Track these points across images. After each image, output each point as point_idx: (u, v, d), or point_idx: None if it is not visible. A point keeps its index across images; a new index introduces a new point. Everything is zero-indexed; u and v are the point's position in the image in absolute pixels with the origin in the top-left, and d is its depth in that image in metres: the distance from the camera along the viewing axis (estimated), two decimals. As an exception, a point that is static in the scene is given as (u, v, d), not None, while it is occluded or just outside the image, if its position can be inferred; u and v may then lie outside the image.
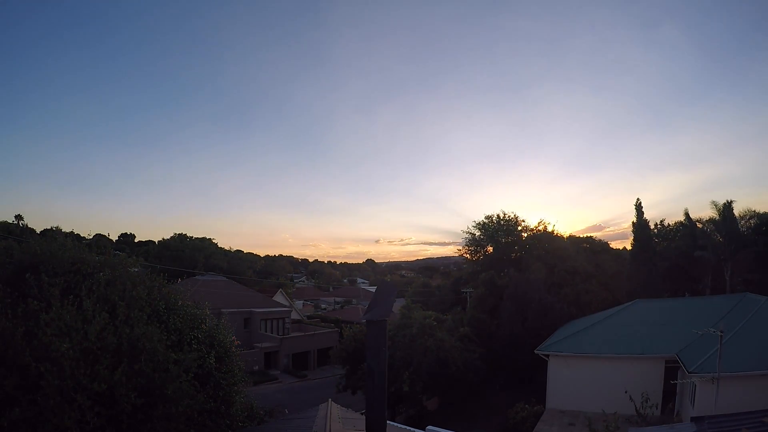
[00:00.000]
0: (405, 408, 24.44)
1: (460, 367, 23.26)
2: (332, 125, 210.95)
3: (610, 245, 43.60)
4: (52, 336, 5.04)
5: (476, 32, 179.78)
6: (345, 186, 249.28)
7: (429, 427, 10.57)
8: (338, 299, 77.86)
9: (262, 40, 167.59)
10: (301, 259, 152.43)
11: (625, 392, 15.68)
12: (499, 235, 39.71)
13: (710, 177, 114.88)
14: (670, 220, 40.61)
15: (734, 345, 15.10)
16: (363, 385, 21.81)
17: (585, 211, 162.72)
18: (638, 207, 33.50)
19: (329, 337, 40.46)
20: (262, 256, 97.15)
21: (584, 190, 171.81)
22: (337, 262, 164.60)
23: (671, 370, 17.27)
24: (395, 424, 9.68)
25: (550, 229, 40.03)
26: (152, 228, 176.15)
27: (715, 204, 32.70)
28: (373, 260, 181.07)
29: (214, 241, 67.45)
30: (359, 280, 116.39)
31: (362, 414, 6.80)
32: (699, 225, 34.88)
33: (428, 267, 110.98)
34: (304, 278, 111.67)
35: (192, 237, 63.05)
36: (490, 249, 40.58)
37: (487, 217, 40.74)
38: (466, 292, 39.69)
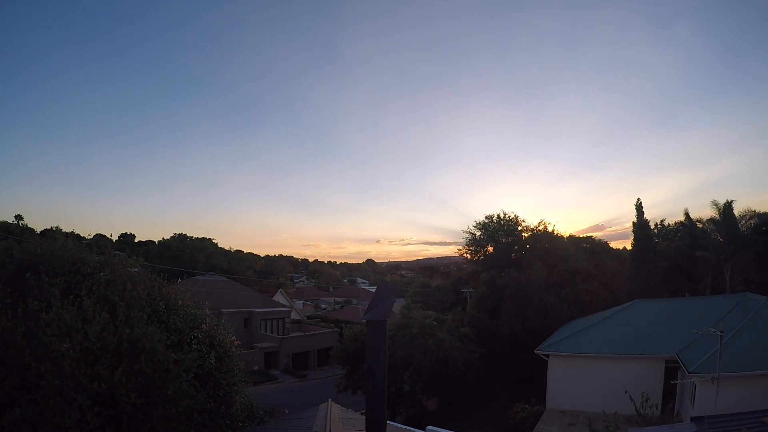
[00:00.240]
0: (405, 408, 24.44)
1: (460, 367, 23.26)
2: (340, 122, 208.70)
3: (611, 245, 43.81)
4: (52, 336, 5.04)
5: (491, 28, 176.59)
6: (349, 184, 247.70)
7: (429, 427, 10.59)
8: (338, 299, 77.87)
9: (274, 36, 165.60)
10: (301, 259, 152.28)
11: (625, 392, 15.71)
12: (499, 235, 39.81)
13: (711, 177, 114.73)
14: (671, 220, 40.77)
15: (734, 345, 15.11)
16: (363, 385, 21.80)
17: (587, 211, 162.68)
18: (638, 207, 33.52)
19: (329, 337, 40.48)
20: (262, 256, 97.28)
21: (587, 189, 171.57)
22: (337, 262, 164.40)
23: (671, 370, 17.27)
24: (395, 424, 9.67)
25: (550, 229, 40.15)
26: (152, 228, 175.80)
27: (715, 204, 32.77)
28: (373, 260, 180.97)
29: (214, 241, 67.67)
30: (359, 280, 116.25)
31: (362, 414, 6.79)
32: (699, 225, 34.89)
33: (428, 267, 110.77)
34: (304, 278, 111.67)
35: (192, 237, 63.12)
36: (491, 249, 40.65)
37: (488, 217, 40.87)
38: (467, 292, 39.77)
